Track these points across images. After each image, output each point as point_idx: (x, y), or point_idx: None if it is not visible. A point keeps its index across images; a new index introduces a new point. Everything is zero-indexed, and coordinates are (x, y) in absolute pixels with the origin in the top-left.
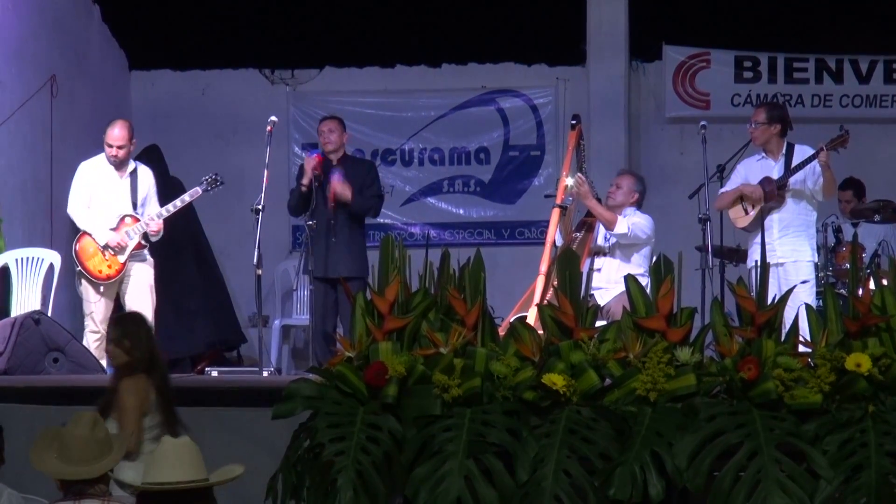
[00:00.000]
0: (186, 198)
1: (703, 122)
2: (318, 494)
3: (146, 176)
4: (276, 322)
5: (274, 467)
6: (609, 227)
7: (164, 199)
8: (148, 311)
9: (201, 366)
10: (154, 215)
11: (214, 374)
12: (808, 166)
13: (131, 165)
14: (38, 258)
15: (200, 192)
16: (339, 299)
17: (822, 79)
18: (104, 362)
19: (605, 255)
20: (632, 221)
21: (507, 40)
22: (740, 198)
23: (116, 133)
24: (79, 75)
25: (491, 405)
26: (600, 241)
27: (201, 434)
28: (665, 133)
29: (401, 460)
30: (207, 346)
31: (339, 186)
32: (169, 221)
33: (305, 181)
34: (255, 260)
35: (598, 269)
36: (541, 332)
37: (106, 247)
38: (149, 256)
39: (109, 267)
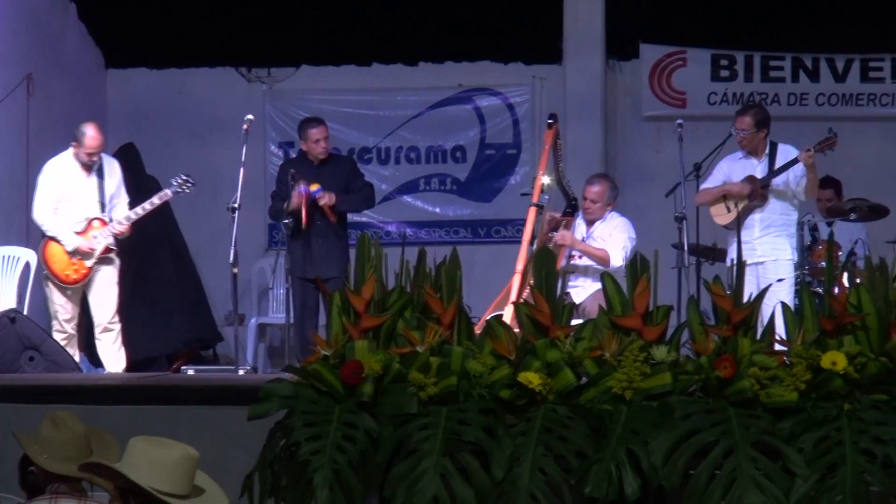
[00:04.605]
0: (156, 200)
1: (679, 121)
2: (295, 493)
3: (114, 169)
4: (253, 321)
5: (250, 466)
6: (605, 264)
7: (139, 198)
8: (111, 310)
9: (177, 364)
10: (123, 219)
11: (191, 372)
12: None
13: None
14: (13, 256)
15: (171, 194)
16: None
17: (799, 77)
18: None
19: (583, 275)
20: (621, 246)
21: (484, 39)
22: (723, 196)
23: (95, 138)
24: (55, 74)
25: (467, 403)
26: (577, 254)
27: (177, 433)
28: (641, 131)
29: (377, 459)
30: (184, 344)
31: (326, 198)
32: (144, 220)
33: (290, 209)
34: (231, 258)
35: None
36: (517, 330)
37: (75, 252)
38: (115, 258)
39: (76, 272)
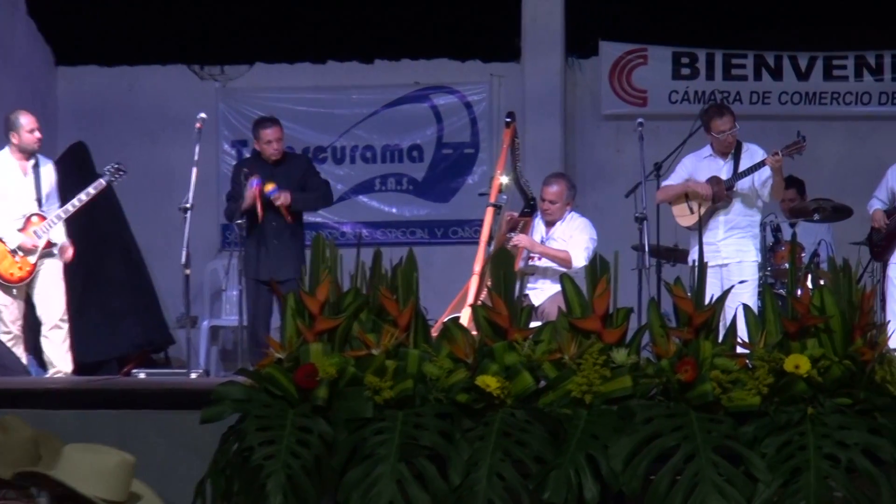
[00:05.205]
0: (91, 191)
1: (639, 120)
2: (248, 499)
3: (49, 170)
4: (205, 323)
5: (202, 471)
6: (568, 266)
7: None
8: (59, 307)
9: (128, 368)
10: (61, 212)
11: (142, 376)
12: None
13: (33, 159)
14: None
15: (105, 183)
16: (275, 300)
17: (761, 75)
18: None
19: (542, 277)
20: (583, 246)
21: (441, 36)
22: (685, 195)
23: (31, 119)
24: (4, 71)
25: (423, 407)
26: (536, 255)
27: (128, 438)
28: (601, 130)
29: (332, 464)
30: (134, 347)
31: (282, 198)
32: (95, 220)
33: (244, 207)
34: (184, 259)
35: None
36: (474, 333)
37: (17, 249)
38: (57, 254)
39: (20, 269)
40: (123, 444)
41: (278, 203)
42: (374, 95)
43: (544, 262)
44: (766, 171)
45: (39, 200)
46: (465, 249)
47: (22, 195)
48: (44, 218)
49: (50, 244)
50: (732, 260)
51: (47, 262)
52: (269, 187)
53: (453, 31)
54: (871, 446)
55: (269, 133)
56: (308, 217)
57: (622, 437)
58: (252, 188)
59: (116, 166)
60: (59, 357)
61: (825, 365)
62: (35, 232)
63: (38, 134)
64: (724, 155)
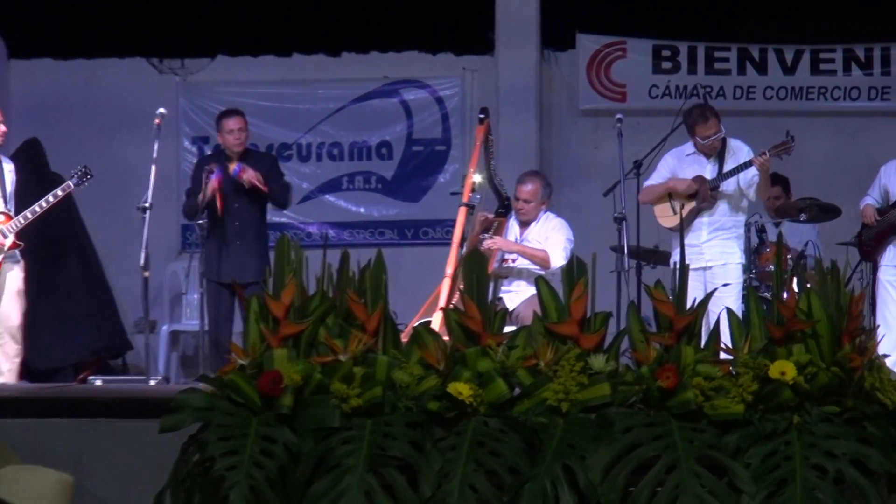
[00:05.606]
0: (59, 192)
1: (618, 115)
2: None
3: (10, 168)
4: (164, 328)
5: (161, 482)
6: (546, 265)
7: (43, 196)
8: (16, 318)
9: (84, 374)
10: (28, 212)
11: (98, 383)
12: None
13: None
14: None
15: (72, 186)
16: (238, 304)
17: (745, 69)
18: None
19: (517, 279)
20: (562, 246)
21: (411, 28)
22: (668, 195)
23: None
24: None
25: (393, 416)
26: (511, 257)
27: (84, 448)
28: (578, 126)
29: (297, 475)
30: (91, 353)
31: (250, 172)
32: (48, 220)
33: (204, 200)
34: (142, 261)
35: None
36: (446, 338)
37: None
38: (20, 258)
39: None
40: (79, 454)
41: (245, 177)
42: (342, 90)
43: (520, 264)
44: (751, 171)
45: (5, 198)
46: (437, 251)
47: None
48: (10, 217)
49: (15, 245)
50: (716, 262)
51: (14, 269)
52: (233, 166)
53: (424, 22)
54: (859, 456)
55: (231, 122)
56: (272, 217)
57: (600, 447)
58: (212, 179)
59: (83, 170)
60: (12, 370)
61: (812, 371)
62: (1, 231)
63: (2, 127)
64: (707, 155)
